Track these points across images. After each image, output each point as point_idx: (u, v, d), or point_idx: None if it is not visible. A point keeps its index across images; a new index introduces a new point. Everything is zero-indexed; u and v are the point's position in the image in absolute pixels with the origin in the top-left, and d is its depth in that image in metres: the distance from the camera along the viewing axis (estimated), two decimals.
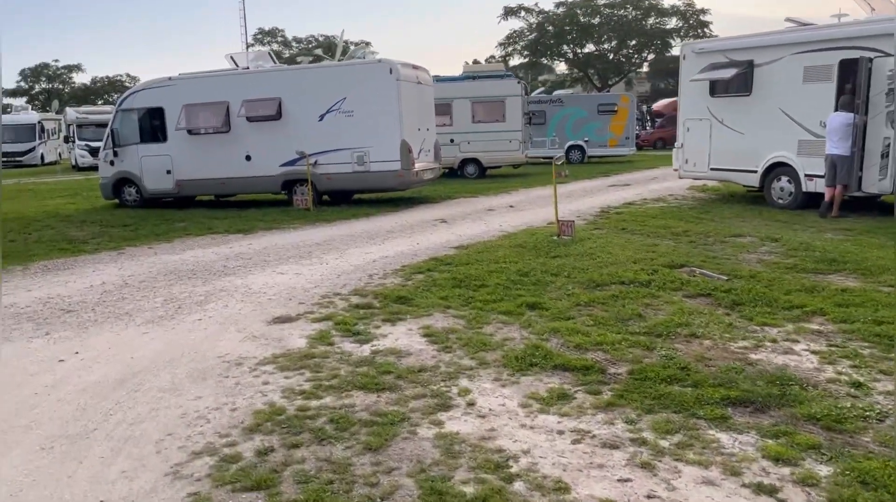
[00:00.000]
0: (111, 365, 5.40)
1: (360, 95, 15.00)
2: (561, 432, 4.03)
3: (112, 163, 16.70)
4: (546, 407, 4.39)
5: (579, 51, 49.61)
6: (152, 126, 16.46)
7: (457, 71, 28.99)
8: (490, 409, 4.40)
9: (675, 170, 15.36)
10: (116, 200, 16.96)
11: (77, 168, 34.23)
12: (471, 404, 4.50)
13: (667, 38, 46.99)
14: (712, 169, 14.43)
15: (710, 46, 14.64)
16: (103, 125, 35.35)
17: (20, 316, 6.81)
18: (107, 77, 69.44)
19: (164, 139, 16.26)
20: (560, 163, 10.39)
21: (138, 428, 4.24)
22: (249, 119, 15.69)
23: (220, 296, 7.48)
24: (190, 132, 16.07)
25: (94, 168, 33.49)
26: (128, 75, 68.62)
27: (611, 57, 49.23)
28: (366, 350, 5.63)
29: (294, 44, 60.35)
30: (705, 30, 45.35)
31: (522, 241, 10.16)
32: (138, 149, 16.45)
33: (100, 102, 61.62)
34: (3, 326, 6.47)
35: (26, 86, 67.78)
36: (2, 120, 31.57)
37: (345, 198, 16.39)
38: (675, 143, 15.30)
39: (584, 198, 15.65)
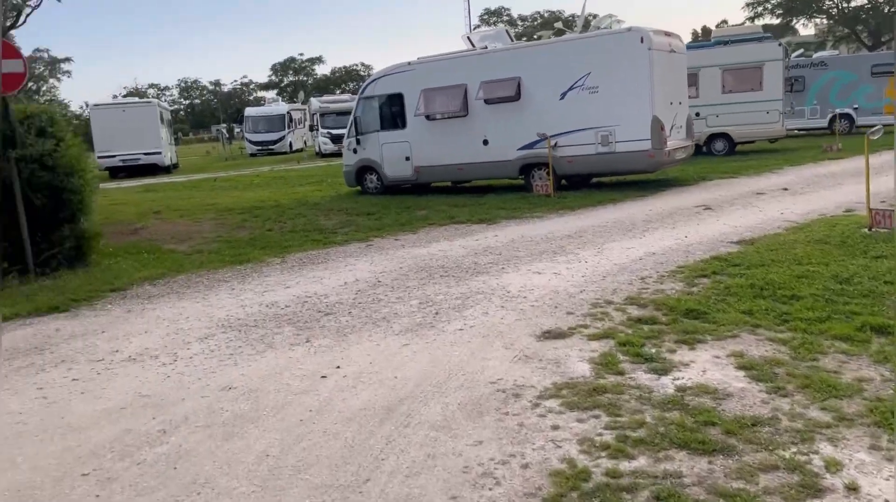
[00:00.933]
0: (374, 386, 4.81)
1: (607, 69, 13.69)
2: None
3: (355, 150, 17.01)
4: None
5: (845, 4, 43.42)
6: (392, 113, 16.47)
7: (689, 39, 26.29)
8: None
9: None
10: (359, 187, 17.29)
11: (320, 155, 36.49)
12: (852, 489, 3.21)
13: None
14: None
15: None
16: (343, 113, 37.49)
17: (281, 318, 6.58)
18: (343, 67, 74.17)
19: (404, 125, 16.19)
20: (877, 135, 8.36)
21: (416, 484, 3.51)
22: (487, 101, 15.06)
23: (477, 300, 6.74)
24: (428, 117, 15.83)
25: (336, 155, 35.64)
26: (362, 64, 72.84)
27: (886, 10, 42.49)
28: (667, 385, 4.50)
29: (519, 22, 59.79)
30: None
31: (823, 235, 8.34)
32: (379, 136, 16.56)
33: (338, 91, 65.99)
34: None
35: (276, 79, 74.48)
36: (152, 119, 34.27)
37: (583, 183, 15.24)
38: None
39: (873, 178, 13.01)
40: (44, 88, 67.71)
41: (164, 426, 4.37)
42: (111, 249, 10.39)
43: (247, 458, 3.89)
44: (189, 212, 15.42)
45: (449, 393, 4.62)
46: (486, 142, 15.21)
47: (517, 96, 14.69)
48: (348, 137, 17.15)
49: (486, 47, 15.67)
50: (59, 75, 61.44)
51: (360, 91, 17.20)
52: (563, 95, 14.19)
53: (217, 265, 9.22)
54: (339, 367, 5.22)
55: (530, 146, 14.64)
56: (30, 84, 56.99)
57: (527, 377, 4.79)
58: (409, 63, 16.14)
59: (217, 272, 8.84)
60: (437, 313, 6.41)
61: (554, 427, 4.03)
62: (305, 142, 47.04)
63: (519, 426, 4.07)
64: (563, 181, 14.94)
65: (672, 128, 14.14)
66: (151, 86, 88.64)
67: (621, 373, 4.75)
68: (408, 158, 16.23)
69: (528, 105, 14.58)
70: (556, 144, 14.21)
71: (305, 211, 14.49)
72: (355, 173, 17.13)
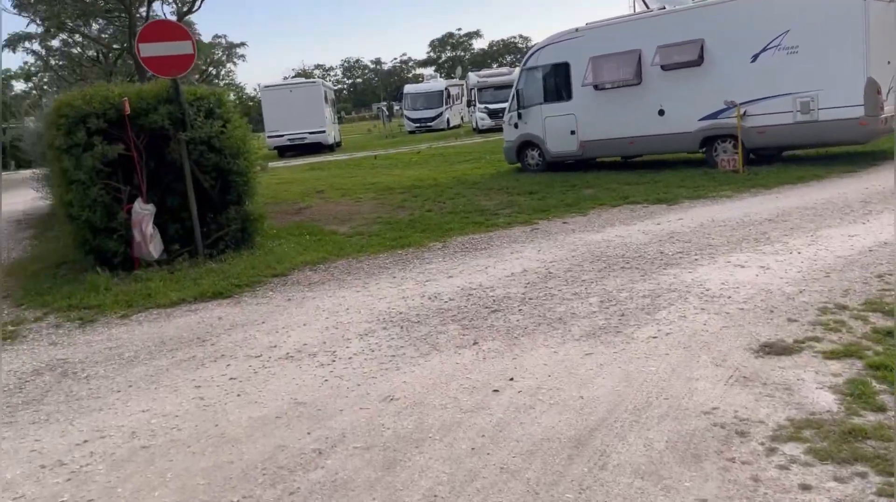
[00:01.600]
0: (557, 409, 4.03)
1: (810, 25, 11.85)
2: None
3: (516, 125, 16.18)
4: None
5: None
6: (556, 84, 15.46)
7: None
8: None
9: None
10: (519, 164, 16.48)
11: (477, 131, 35.99)
12: None
13: None
14: None
15: None
16: (501, 87, 36.70)
17: (445, 313, 5.96)
18: (501, 40, 73.29)
19: (569, 97, 15.13)
20: None
21: None
22: (664, 67, 13.65)
23: (670, 300, 5.75)
24: (596, 87, 14.67)
25: (493, 130, 35.01)
26: (520, 36, 71.51)
27: None
28: None
29: None
30: None
31: None
32: (542, 109, 15.62)
33: (494, 66, 65.28)
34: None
35: (434, 55, 75.02)
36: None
37: (774, 157, 13.46)
38: None
39: None
40: (223, 72, 72.62)
41: (319, 444, 3.86)
42: (275, 231, 10.33)
43: (411, 498, 3.26)
44: (350, 191, 15.37)
45: (651, 424, 3.74)
46: (661, 113, 13.83)
47: (699, 60, 13.17)
48: (509, 111, 16.34)
49: (664, 8, 14.20)
50: (235, 59, 65.32)
51: (523, 62, 16.30)
52: (755, 57, 12.50)
53: (377, 249, 8.81)
54: (512, 379, 4.49)
55: (714, 116, 13.10)
56: (210, 69, 61.17)
57: (751, 408, 3.81)
58: (576, 30, 15.00)
59: (377, 257, 8.43)
60: (622, 315, 5.50)
61: (804, 487, 3.05)
62: (462, 118, 46.83)
63: (753, 481, 3.13)
64: (751, 155, 13.26)
65: (890, 91, 12.05)
66: (317, 66, 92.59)
67: (882, 410, 3.64)
68: (573, 132, 15.17)
69: (713, 70, 13.02)
70: (745, 113, 12.59)
71: (465, 190, 13.91)
72: (516, 149, 16.31)
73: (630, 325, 5.25)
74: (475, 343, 5.18)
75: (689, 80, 13.36)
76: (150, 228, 8.34)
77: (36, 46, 30.78)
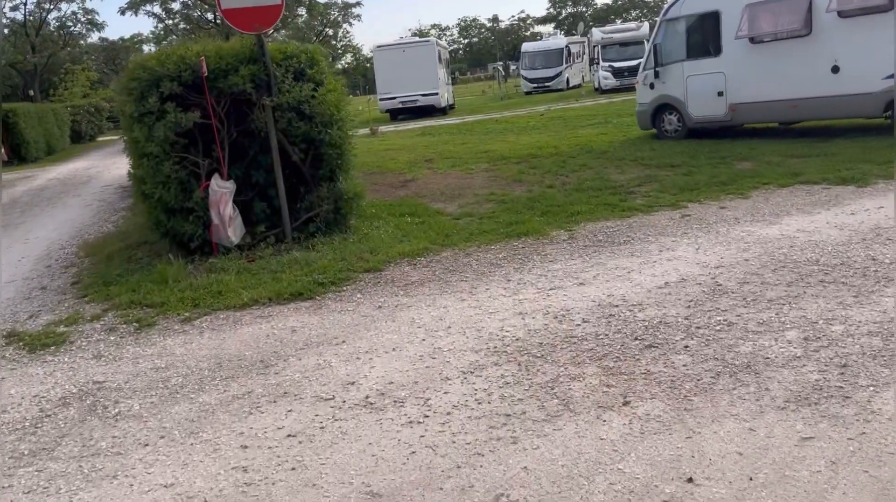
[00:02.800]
0: None
1: None
2: None
3: (652, 86, 14.07)
4: None
5: None
6: (703, 37, 13.23)
7: None
8: None
9: None
10: (654, 131, 14.42)
11: (600, 91, 33.52)
12: None
13: None
14: None
15: None
16: (627, 44, 33.92)
17: (578, 344, 4.41)
18: None
19: (718, 52, 12.88)
20: None
21: None
22: (843, 14, 11.22)
23: None
24: (752, 40, 12.37)
25: (617, 90, 32.44)
26: None
27: None
28: None
29: None
30: None
31: None
32: (683, 67, 13.44)
33: (618, 22, 61.38)
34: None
35: (554, 12, 71.63)
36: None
37: None
38: None
39: None
40: (340, 34, 72.55)
41: None
42: (373, 210, 9.06)
43: None
44: (461, 160, 13.92)
45: None
46: (835, 70, 11.42)
47: (890, 4, 10.66)
48: (644, 69, 14.25)
49: None
50: (350, 20, 64.89)
51: (663, 12, 14.09)
52: None
53: (489, 238, 7.34)
54: (691, 481, 2.93)
55: None
56: (327, 30, 61.04)
57: None
58: None
59: (489, 249, 6.95)
60: (843, 365, 3.77)
61: None
62: (583, 78, 44.14)
63: None
64: None
65: None
66: (433, 26, 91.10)
67: None
68: (720, 93, 12.94)
69: None
70: None
71: (591, 160, 12.13)
72: (651, 113, 14.21)
73: (860, 386, 3.53)
74: (626, 402, 3.63)
75: (875, 29, 10.87)
76: (229, 209, 7.24)
77: (157, 9, 31.02)
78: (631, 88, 32.50)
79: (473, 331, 4.78)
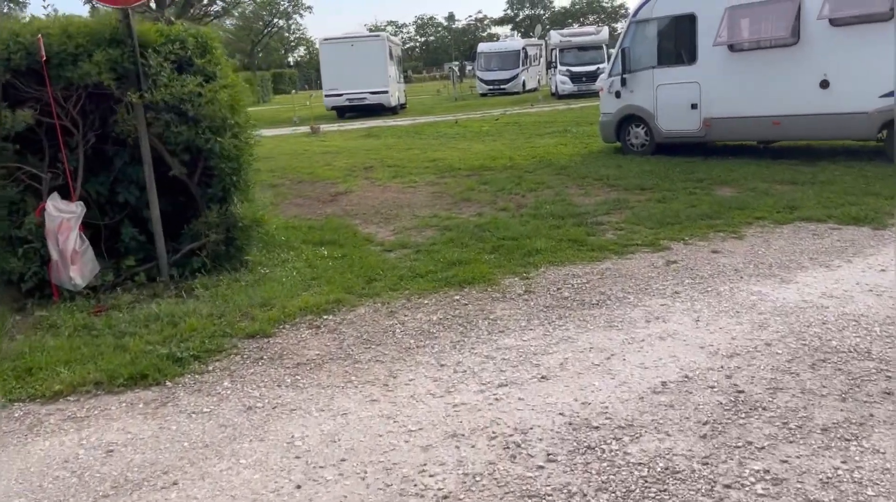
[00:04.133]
0: None
1: None
2: None
3: (618, 94, 12.60)
4: None
5: None
6: (676, 42, 11.84)
7: None
8: None
9: None
10: (618, 143, 12.96)
11: (557, 96, 32.19)
12: None
13: None
14: None
15: None
16: (586, 48, 32.64)
17: (541, 497, 2.78)
18: None
19: (692, 60, 11.48)
20: None
21: None
22: (835, 22, 9.93)
23: None
24: (732, 48, 11.01)
25: (574, 96, 31.16)
26: None
27: None
28: None
29: None
30: None
31: None
32: (654, 74, 12.02)
33: (576, 26, 60.45)
34: None
35: (512, 13, 70.46)
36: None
37: None
38: None
39: None
40: (292, 26, 69.99)
41: None
42: (285, 236, 7.31)
43: None
44: (405, 169, 12.25)
45: None
46: (824, 85, 10.12)
47: (890, 13, 9.39)
48: (610, 76, 12.77)
49: None
50: (301, 11, 62.53)
51: (632, 13, 12.63)
52: None
53: (424, 285, 5.66)
54: None
55: None
56: (277, 20, 58.62)
57: None
58: None
59: (421, 303, 5.28)
60: None
61: None
62: (539, 81, 42.85)
63: None
64: None
65: None
66: (390, 23, 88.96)
67: None
68: (694, 106, 11.55)
69: None
70: None
71: (550, 177, 10.60)
72: (616, 124, 12.77)
73: None
74: None
75: (871, 40, 9.59)
76: (73, 240, 5.39)
77: None
78: (589, 94, 31.49)
79: (379, 475, 3.08)
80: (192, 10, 37.14)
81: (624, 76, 12.35)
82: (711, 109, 11.35)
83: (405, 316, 5.03)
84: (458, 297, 5.35)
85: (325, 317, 5.07)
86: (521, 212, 8.36)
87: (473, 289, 5.53)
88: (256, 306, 5.19)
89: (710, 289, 5.20)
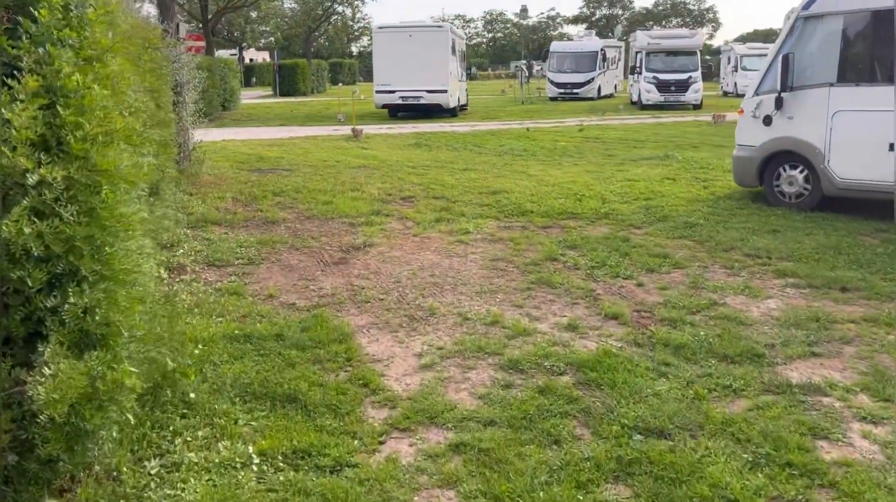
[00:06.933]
0: None
1: None
2: None
3: (768, 120, 8.77)
4: None
5: None
6: (872, 50, 8.02)
7: None
8: None
9: None
10: (759, 187, 9.16)
11: (639, 105, 28.12)
12: None
13: None
14: None
15: None
16: (677, 53, 28.45)
17: None
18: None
19: (893, 78, 7.63)
20: None
21: None
22: None
23: None
24: None
25: (661, 108, 27.08)
26: None
27: None
28: None
29: None
30: None
31: None
32: (830, 95, 8.17)
33: (656, 27, 55.82)
34: None
35: (588, 11, 66.14)
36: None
37: None
38: None
39: None
40: (357, 15, 67.18)
41: None
42: (211, 388, 3.87)
43: None
44: (455, 205, 8.78)
45: None
46: None
47: None
48: (757, 93, 8.96)
49: None
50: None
51: (803, 4, 8.72)
52: None
53: None
54: None
55: None
56: (338, 6, 55.72)
57: None
58: None
59: None
60: None
61: None
62: (616, 87, 38.75)
63: None
64: None
65: None
66: (457, 16, 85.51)
67: None
68: (893, 147, 7.69)
69: None
70: None
71: (672, 244, 6.97)
72: (761, 162, 8.95)
73: None
74: None
75: None
76: None
77: None
78: (676, 107, 27.41)
79: None
80: None
81: (781, 94, 8.52)
82: None
83: None
84: None
85: None
86: (646, 333, 4.73)
87: None
88: None
89: None
